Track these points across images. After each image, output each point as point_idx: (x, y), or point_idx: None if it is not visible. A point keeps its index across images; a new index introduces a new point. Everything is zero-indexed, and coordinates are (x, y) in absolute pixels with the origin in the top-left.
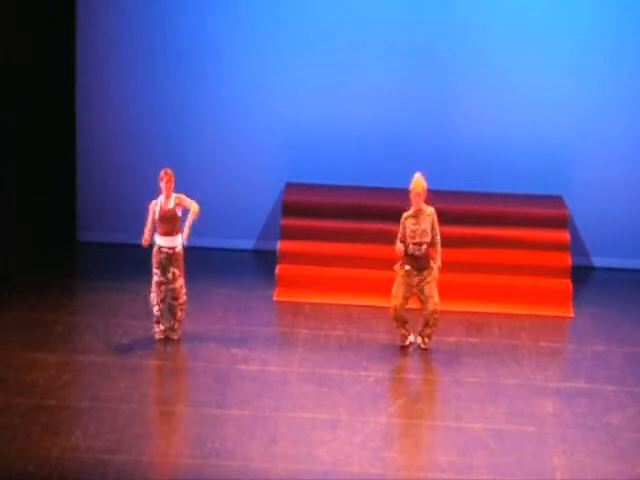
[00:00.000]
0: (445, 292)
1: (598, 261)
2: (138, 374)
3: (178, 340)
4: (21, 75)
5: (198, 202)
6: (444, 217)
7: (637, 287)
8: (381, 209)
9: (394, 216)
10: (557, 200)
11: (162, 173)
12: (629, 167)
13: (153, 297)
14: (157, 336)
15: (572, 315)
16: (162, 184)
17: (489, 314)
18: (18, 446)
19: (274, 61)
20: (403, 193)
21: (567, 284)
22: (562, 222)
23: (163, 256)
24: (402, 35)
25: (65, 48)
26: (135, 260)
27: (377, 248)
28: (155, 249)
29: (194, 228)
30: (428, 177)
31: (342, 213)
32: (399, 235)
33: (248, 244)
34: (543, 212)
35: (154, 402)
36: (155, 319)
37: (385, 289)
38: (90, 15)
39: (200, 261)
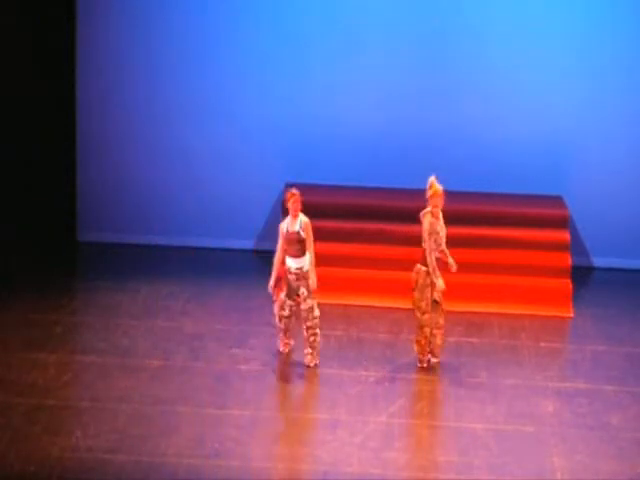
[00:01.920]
0: (445, 292)
1: (598, 261)
2: (138, 374)
3: (315, 366)
4: (21, 75)
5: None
6: (445, 218)
7: (637, 287)
8: (381, 209)
9: (394, 216)
10: (557, 200)
11: (288, 194)
12: (629, 167)
13: (278, 313)
14: (281, 348)
15: (572, 315)
16: (289, 204)
17: (489, 314)
18: (18, 446)
19: (274, 61)
20: (403, 193)
21: (567, 284)
22: (562, 222)
23: (293, 277)
24: (402, 36)
25: (65, 48)
26: (135, 260)
27: (377, 248)
28: (285, 270)
29: (194, 227)
30: (428, 178)
31: (342, 213)
32: (430, 241)
33: (248, 244)
34: (543, 212)
35: (154, 402)
36: (278, 331)
37: (385, 289)
38: (90, 15)
39: (200, 261)
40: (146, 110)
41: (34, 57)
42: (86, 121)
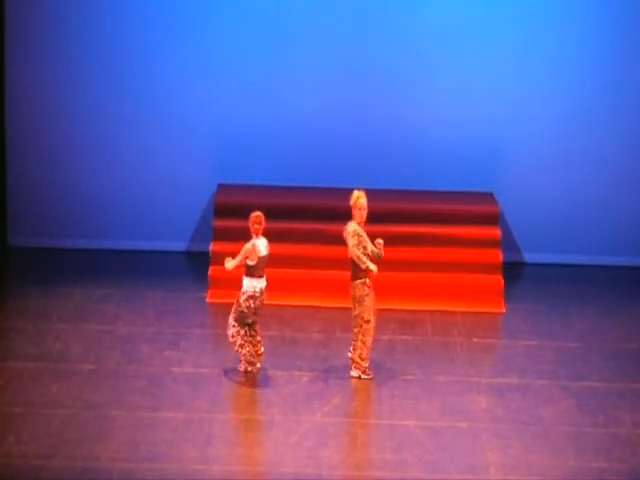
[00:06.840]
0: (378, 290)
1: (529, 257)
2: (71, 378)
3: (245, 371)
4: None
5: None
6: (376, 216)
7: (567, 282)
8: (313, 209)
9: (326, 216)
10: (488, 197)
11: (255, 217)
12: (558, 164)
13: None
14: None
15: (504, 311)
16: (257, 226)
17: (422, 311)
18: None
19: (205, 61)
20: (335, 193)
21: (499, 280)
22: (493, 219)
23: (259, 298)
24: (332, 36)
25: None
26: (66, 264)
27: (310, 248)
28: (253, 294)
29: (126, 230)
30: (360, 176)
31: (274, 214)
32: (363, 250)
33: (180, 246)
34: (474, 209)
35: (87, 406)
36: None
37: (318, 288)
38: (19, 13)
39: (132, 264)
40: (78, 114)
41: None
42: (16, 125)
